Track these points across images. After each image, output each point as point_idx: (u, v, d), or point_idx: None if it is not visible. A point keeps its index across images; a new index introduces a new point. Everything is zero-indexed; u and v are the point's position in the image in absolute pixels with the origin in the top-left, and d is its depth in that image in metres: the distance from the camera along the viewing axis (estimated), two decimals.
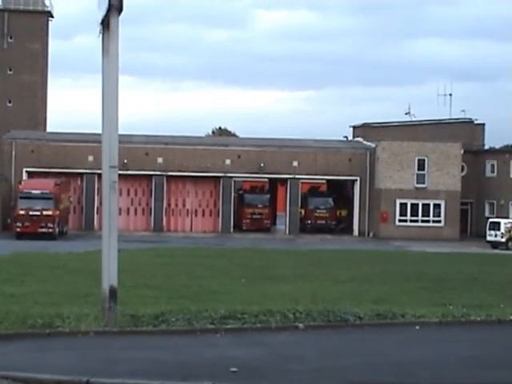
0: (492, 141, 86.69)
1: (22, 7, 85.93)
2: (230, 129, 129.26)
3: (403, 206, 69.05)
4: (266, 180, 78.20)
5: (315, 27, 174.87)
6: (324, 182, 78.93)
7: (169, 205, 70.75)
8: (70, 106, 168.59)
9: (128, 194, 69.80)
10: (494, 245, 61.15)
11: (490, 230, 62.56)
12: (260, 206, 72.13)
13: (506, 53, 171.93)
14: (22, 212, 58.94)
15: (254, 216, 71.62)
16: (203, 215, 71.75)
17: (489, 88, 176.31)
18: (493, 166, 73.29)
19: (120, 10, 17.99)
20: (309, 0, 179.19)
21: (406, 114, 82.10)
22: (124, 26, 18.30)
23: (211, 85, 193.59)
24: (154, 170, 68.90)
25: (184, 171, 69.41)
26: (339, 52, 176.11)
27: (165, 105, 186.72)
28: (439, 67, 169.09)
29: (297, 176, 70.28)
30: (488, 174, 73.57)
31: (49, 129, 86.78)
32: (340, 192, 75.06)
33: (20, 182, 63.49)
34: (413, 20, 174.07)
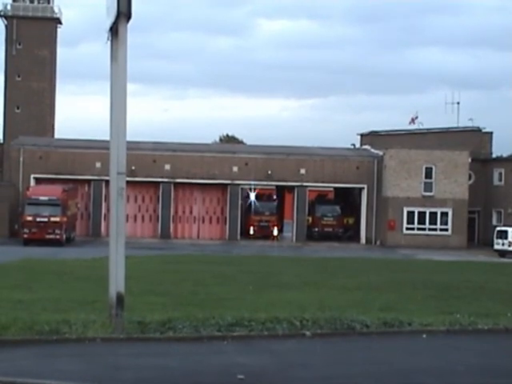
0: (499, 149, 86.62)
1: (30, 14, 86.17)
2: (237, 136, 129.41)
3: (410, 214, 69.00)
4: (274, 187, 78.23)
5: (317, 36, 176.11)
6: (331, 189, 78.98)
7: (176, 212, 70.82)
8: (77, 112, 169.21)
9: (135, 200, 69.90)
10: (502, 253, 61.10)
11: (497, 238, 62.53)
12: (267, 213, 72.17)
13: (507, 61, 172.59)
14: (29, 218, 59.09)
15: (262, 223, 71.65)
16: (210, 222, 71.80)
17: (492, 96, 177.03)
18: (500, 174, 73.22)
19: (129, 16, 18.03)
20: (309, 9, 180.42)
21: (414, 119, 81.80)
22: (130, 34, 18.34)
23: (217, 92, 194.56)
24: (161, 177, 68.99)
25: (191, 178, 69.50)
26: (342, 61, 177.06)
27: (171, 112, 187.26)
28: (442, 75, 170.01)
29: (304, 183, 70.29)
30: (496, 182, 73.49)
31: (57, 135, 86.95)
32: (347, 200, 75.04)
33: (28, 189, 63.65)
34: (413, 29, 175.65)
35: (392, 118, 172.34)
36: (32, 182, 67.26)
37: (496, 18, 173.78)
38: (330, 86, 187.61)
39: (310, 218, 71.75)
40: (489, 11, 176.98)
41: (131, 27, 18.24)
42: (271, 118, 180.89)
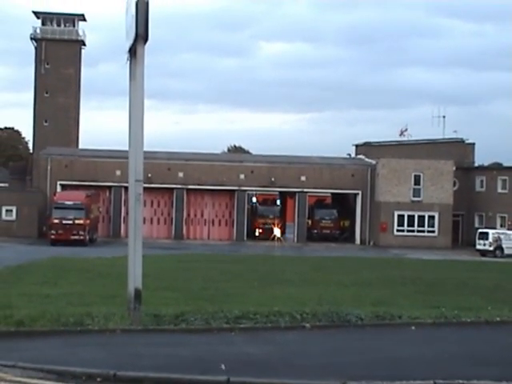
0: (481, 159, 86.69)
1: (58, 36, 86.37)
2: (244, 147, 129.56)
3: (401, 217, 68.95)
4: (277, 193, 78.20)
5: (312, 56, 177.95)
6: (329, 195, 78.95)
7: (188, 215, 70.82)
8: (98, 125, 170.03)
9: (152, 205, 69.92)
10: (483, 253, 61.05)
11: (479, 239, 62.50)
12: (271, 216, 72.12)
13: (483, 80, 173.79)
14: (56, 221, 59.17)
15: (266, 226, 71.57)
16: (219, 225, 71.79)
17: (472, 111, 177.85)
18: (482, 181, 73.20)
19: (146, 39, 18.05)
20: (304, 33, 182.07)
21: (404, 131, 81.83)
22: (146, 55, 18.33)
23: (223, 108, 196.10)
24: (175, 184, 69.03)
25: (202, 185, 69.53)
26: (335, 79, 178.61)
27: (183, 125, 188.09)
28: (426, 92, 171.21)
29: (304, 189, 70.29)
30: (477, 188, 73.47)
31: (80, 146, 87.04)
32: (343, 204, 74.99)
33: (54, 194, 63.74)
34: (398, 51, 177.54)
35: (382, 130, 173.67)
36: (58, 188, 67.36)
37: (473, 41, 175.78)
38: (325, 101, 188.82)
39: (310, 221, 71.73)
40: (467, 35, 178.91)
41: (147, 49, 18.26)
42: (273, 131, 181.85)
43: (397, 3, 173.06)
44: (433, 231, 69.21)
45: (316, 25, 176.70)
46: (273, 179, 69.68)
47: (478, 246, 62.31)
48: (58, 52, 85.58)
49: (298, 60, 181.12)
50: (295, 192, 70.87)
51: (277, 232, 71.08)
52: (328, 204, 77.80)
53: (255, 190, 74.84)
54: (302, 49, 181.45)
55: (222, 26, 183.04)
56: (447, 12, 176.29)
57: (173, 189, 69.40)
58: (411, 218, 68.98)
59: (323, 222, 72.22)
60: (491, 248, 61.15)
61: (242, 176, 69.61)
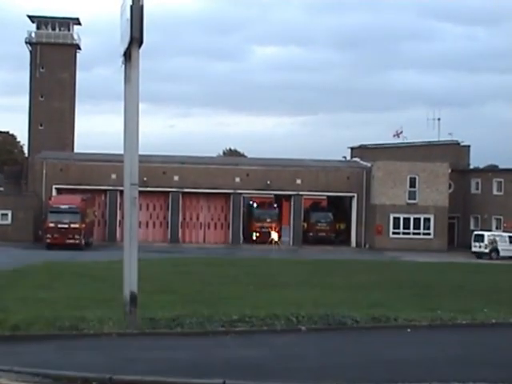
0: (476, 161, 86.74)
1: (53, 40, 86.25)
2: (239, 150, 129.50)
3: (396, 219, 68.96)
4: (272, 196, 78.16)
5: (304, 60, 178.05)
6: (324, 197, 78.86)
7: (184, 218, 70.76)
8: (93, 129, 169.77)
9: (147, 208, 69.83)
10: (479, 255, 61.08)
11: (474, 241, 62.53)
12: (268, 220, 72.00)
13: (476, 82, 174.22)
14: (51, 225, 59.08)
15: (263, 229, 71.43)
16: (215, 228, 71.73)
17: (465, 113, 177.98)
18: (477, 183, 73.25)
19: (140, 42, 18.08)
20: (295, 37, 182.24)
21: (399, 133, 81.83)
22: (140, 59, 18.32)
23: (218, 111, 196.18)
24: (170, 187, 68.97)
25: (198, 188, 69.48)
26: (328, 82, 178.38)
27: (177, 128, 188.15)
28: (419, 94, 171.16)
29: (300, 192, 70.27)
30: (473, 190, 73.53)
31: (76, 150, 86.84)
32: (339, 207, 74.97)
33: (50, 198, 63.66)
34: (390, 53, 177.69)
35: (377, 133, 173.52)
36: (54, 192, 67.25)
37: (465, 43, 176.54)
38: (319, 104, 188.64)
39: (306, 224, 71.69)
40: (458, 38, 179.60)
41: (141, 52, 18.27)
42: (267, 134, 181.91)
43: (388, 6, 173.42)
44: (428, 234, 69.22)
45: (308, 28, 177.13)
46: (268, 182, 69.65)
47: (474, 249, 62.34)
48: (52, 56, 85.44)
49: (291, 63, 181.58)
50: (291, 195, 70.86)
51: (274, 235, 71.03)
52: (323, 207, 77.76)
53: (251, 193, 74.74)
54: (294, 52, 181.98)
55: (214, 29, 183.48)
56: (438, 15, 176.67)
57: (168, 192, 69.35)
58: (407, 221, 68.99)
59: (319, 224, 72.20)
60: (487, 250, 61.20)
61: (237, 179, 69.59)
